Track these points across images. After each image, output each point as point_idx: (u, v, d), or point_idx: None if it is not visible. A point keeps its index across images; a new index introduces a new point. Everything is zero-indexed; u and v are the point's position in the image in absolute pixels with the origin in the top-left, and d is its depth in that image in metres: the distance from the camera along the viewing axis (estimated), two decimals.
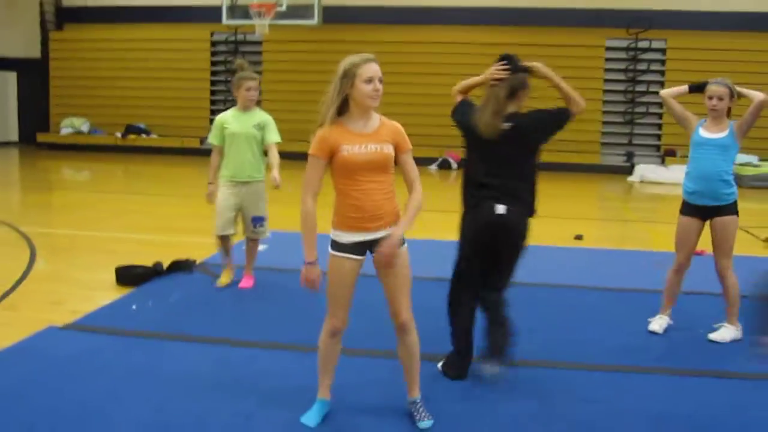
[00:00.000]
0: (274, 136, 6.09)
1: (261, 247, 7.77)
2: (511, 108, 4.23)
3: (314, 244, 3.46)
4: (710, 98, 5.04)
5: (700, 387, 4.30)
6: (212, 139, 6.06)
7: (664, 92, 5.38)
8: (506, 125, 4.16)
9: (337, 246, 3.51)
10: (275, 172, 5.88)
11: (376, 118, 3.49)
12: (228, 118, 6.00)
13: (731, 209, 5.08)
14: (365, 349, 4.64)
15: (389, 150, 3.44)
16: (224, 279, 6.18)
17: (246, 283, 6.19)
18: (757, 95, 4.94)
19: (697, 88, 5.24)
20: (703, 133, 5.12)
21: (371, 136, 3.43)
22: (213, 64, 20.01)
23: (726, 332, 5.15)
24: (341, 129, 3.43)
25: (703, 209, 5.12)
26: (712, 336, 5.16)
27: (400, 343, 3.67)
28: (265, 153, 6.07)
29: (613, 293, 6.36)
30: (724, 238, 5.10)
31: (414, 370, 3.71)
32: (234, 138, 5.92)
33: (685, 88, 5.32)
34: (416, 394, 3.73)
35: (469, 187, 4.32)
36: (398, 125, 3.55)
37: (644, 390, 4.23)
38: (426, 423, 3.65)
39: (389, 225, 3.46)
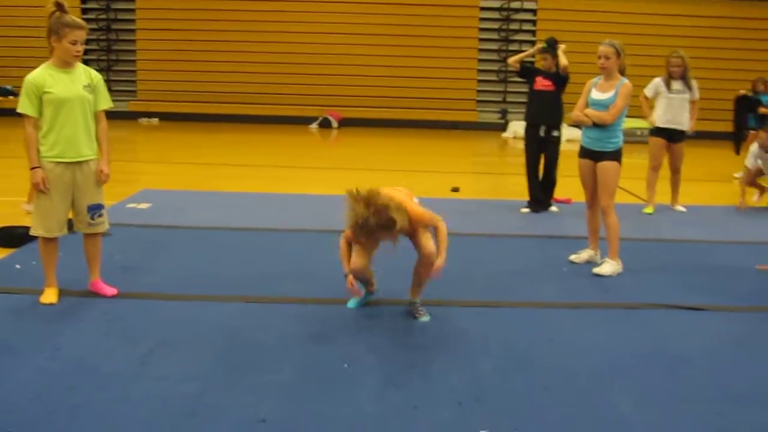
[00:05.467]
0: (106, 101, 4.79)
1: (144, 206, 7.83)
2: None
3: None
4: (599, 58, 5.65)
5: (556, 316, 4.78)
6: (26, 108, 4.50)
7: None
8: None
9: None
10: (104, 162, 4.76)
11: None
12: (46, 78, 4.52)
13: (613, 156, 5.68)
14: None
15: None
16: (51, 296, 4.73)
17: (110, 289, 4.90)
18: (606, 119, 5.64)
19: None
20: (594, 93, 5.73)
21: None
22: (87, 21, 19.26)
23: (608, 267, 5.68)
24: None
25: (591, 153, 5.75)
26: (596, 270, 5.69)
27: (421, 261, 4.56)
28: None
29: (486, 239, 6.80)
30: (605, 181, 5.69)
31: (422, 283, 4.66)
32: (62, 105, 4.52)
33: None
34: (416, 297, 4.70)
35: None
36: None
37: (512, 320, 4.66)
38: (426, 317, 4.62)
39: None
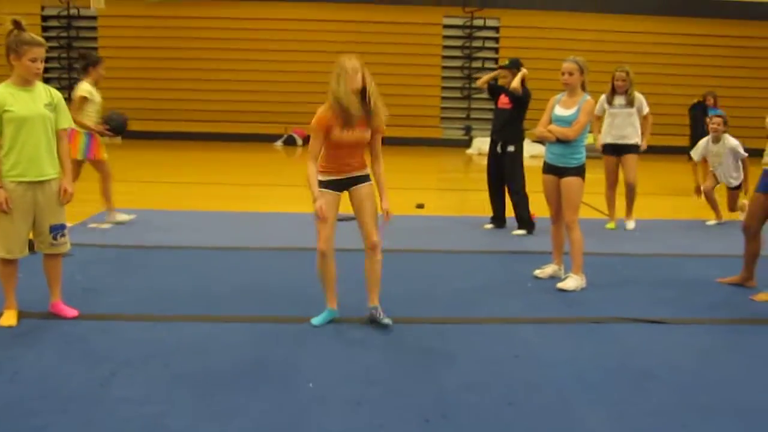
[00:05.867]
0: (67, 120, 4.74)
1: (106, 225, 7.72)
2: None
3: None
4: (562, 74, 5.70)
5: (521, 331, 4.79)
6: None
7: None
8: None
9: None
10: (67, 181, 4.71)
11: None
12: (7, 97, 4.47)
13: (576, 172, 5.73)
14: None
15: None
16: (10, 318, 4.63)
17: (70, 311, 4.81)
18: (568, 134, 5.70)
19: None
20: (558, 109, 5.79)
21: None
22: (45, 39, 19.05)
23: (571, 281, 5.71)
24: None
25: (555, 168, 5.80)
26: (560, 285, 5.71)
27: (368, 260, 4.67)
28: None
29: (450, 255, 6.81)
30: (569, 197, 5.74)
31: (376, 282, 4.70)
32: (23, 124, 4.46)
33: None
34: (376, 302, 4.72)
35: None
36: None
37: (478, 336, 4.65)
38: (388, 320, 4.65)
39: None
